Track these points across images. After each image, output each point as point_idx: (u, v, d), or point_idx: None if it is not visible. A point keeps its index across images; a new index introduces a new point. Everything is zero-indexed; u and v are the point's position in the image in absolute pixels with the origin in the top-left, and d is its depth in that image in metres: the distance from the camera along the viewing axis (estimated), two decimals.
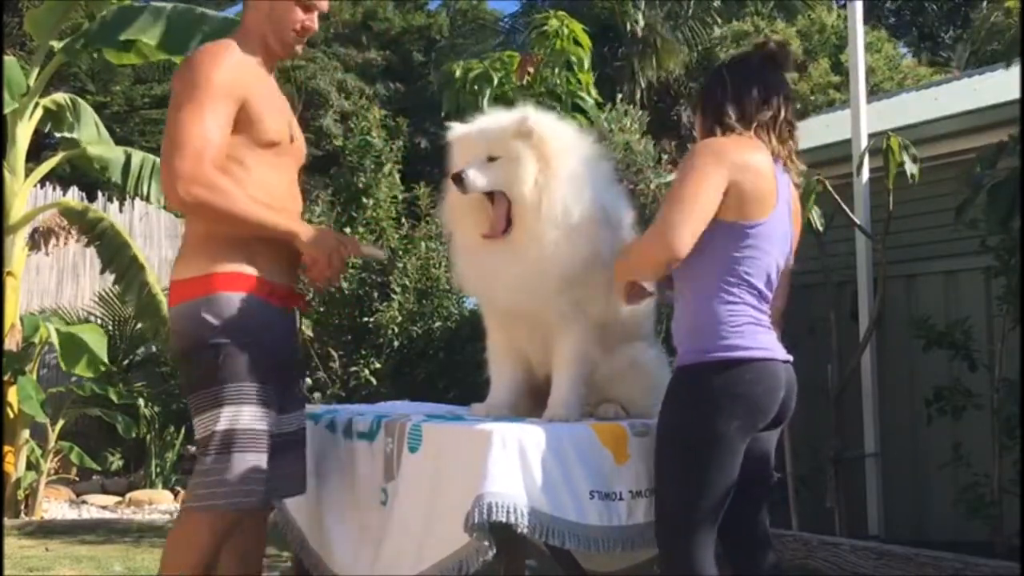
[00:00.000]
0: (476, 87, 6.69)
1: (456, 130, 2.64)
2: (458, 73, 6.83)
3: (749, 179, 2.34)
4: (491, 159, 2.51)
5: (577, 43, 6.89)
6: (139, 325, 8.20)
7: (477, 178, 2.50)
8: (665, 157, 5.62)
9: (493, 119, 2.61)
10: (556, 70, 6.75)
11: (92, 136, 7.46)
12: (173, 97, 2.61)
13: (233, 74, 2.59)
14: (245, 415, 2.52)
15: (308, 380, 6.72)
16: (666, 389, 2.42)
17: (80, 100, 7.62)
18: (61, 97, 7.48)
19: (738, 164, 2.33)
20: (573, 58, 6.85)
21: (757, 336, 2.38)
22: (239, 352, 2.52)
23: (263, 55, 2.75)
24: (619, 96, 6.11)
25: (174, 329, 2.63)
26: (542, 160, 2.49)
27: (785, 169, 2.47)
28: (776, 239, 2.43)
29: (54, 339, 7.02)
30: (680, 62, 15.90)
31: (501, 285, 2.60)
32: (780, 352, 2.44)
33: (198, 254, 2.60)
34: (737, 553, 2.50)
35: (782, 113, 2.45)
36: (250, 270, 2.59)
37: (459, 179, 2.50)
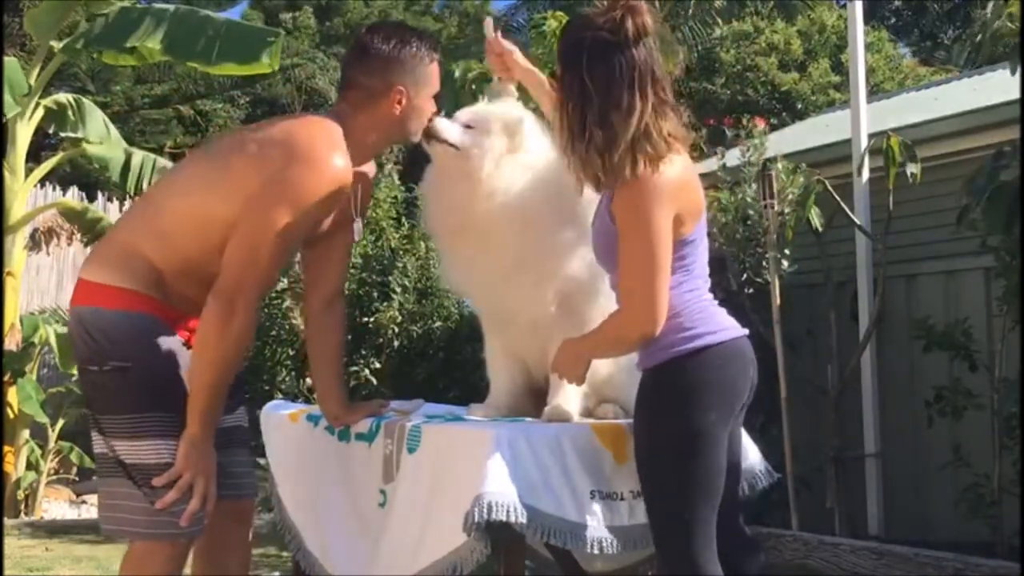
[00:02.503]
0: (475, 87, 6.70)
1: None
2: (457, 73, 6.84)
3: (686, 201, 2.28)
4: (467, 127, 2.57)
5: None
6: None
7: (448, 128, 2.56)
8: None
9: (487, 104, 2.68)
10: (556, 70, 6.76)
11: (102, 134, 7.45)
12: (278, 182, 2.35)
13: (332, 200, 2.42)
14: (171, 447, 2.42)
15: (308, 380, 6.73)
16: (636, 395, 2.37)
17: (84, 100, 7.61)
18: (64, 97, 7.47)
19: (675, 190, 2.24)
20: None
21: (715, 317, 2.34)
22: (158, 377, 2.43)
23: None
24: None
25: (99, 333, 2.43)
26: (510, 149, 2.53)
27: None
28: (704, 227, 2.39)
29: (52, 341, 7.02)
30: (677, 64, 15.88)
31: (476, 278, 2.65)
32: (737, 327, 2.38)
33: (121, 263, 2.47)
34: (719, 558, 2.47)
35: (649, 104, 2.23)
36: (156, 295, 2.46)
37: (430, 125, 2.56)
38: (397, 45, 2.54)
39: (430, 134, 2.56)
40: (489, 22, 2.82)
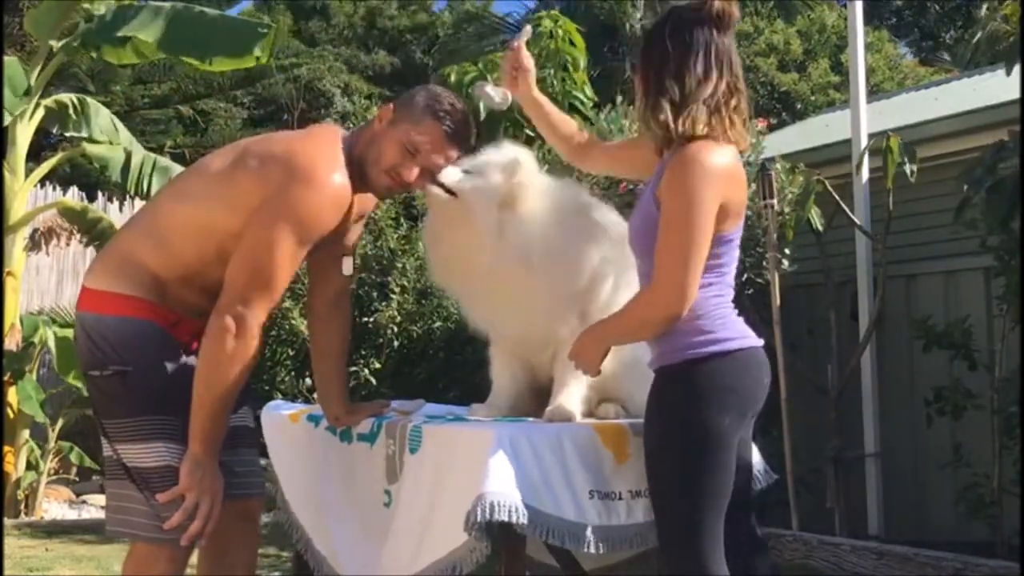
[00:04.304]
0: (471, 89, 6.70)
1: None
2: (453, 77, 6.85)
3: (733, 194, 2.30)
4: (466, 172, 2.54)
5: (572, 43, 6.90)
6: None
7: (446, 171, 2.52)
8: None
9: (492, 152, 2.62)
10: (552, 71, 6.76)
11: (109, 132, 7.46)
12: (279, 202, 2.35)
13: (333, 219, 2.43)
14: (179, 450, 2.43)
15: (308, 380, 6.74)
16: (649, 393, 2.38)
17: (88, 99, 7.61)
18: (66, 96, 7.48)
19: (725, 179, 2.27)
20: (568, 58, 6.86)
21: (735, 325, 2.35)
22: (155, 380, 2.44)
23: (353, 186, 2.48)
24: (619, 97, 6.11)
25: (104, 338, 2.45)
26: (507, 196, 2.51)
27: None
28: (740, 233, 2.41)
29: (51, 343, 7.02)
30: None
31: (484, 312, 2.67)
32: (755, 337, 2.39)
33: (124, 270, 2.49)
34: (729, 558, 2.48)
35: (723, 83, 2.32)
36: (157, 300, 2.48)
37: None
38: (423, 90, 2.55)
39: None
40: (527, 30, 2.75)
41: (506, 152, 2.59)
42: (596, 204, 2.73)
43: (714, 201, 2.23)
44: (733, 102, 2.32)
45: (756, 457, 2.77)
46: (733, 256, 2.38)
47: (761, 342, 2.39)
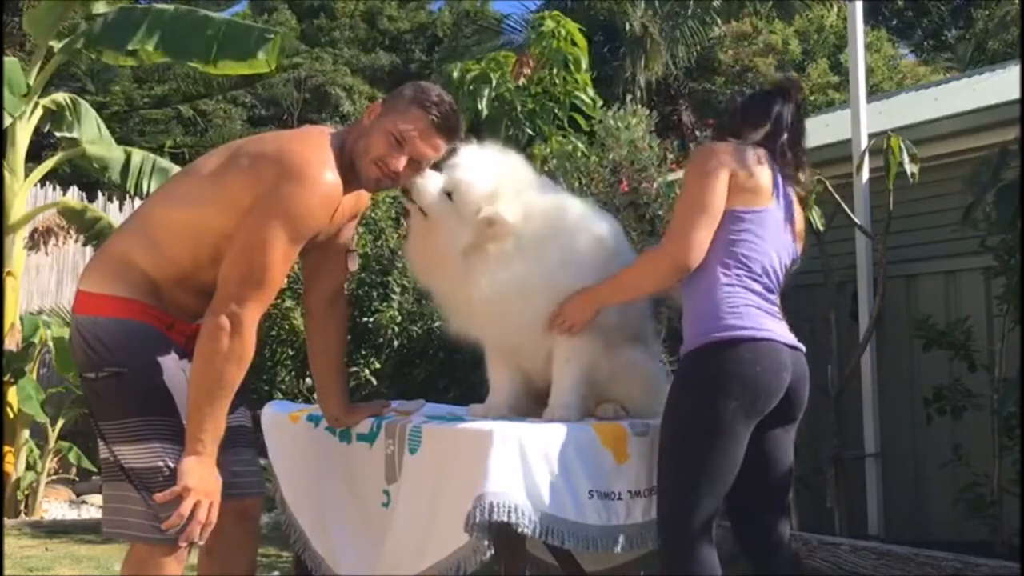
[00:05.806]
0: (473, 88, 6.71)
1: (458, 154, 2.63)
2: (456, 74, 6.85)
3: (744, 173, 2.43)
4: (447, 193, 2.53)
5: (574, 43, 6.90)
6: None
7: (425, 189, 2.52)
8: (670, 157, 5.65)
9: (475, 167, 2.58)
10: (554, 70, 6.76)
11: (93, 135, 7.45)
12: (271, 199, 2.36)
13: (324, 216, 2.44)
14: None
15: (308, 380, 6.74)
16: (674, 377, 2.47)
17: (80, 100, 7.60)
18: (61, 97, 7.47)
19: (736, 158, 2.44)
20: (570, 58, 6.86)
21: (757, 318, 2.40)
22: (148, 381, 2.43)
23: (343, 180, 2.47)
24: (627, 96, 6.12)
25: (99, 340, 2.44)
26: (476, 239, 2.50)
27: (789, 183, 2.55)
28: (771, 230, 2.47)
29: (50, 343, 7.02)
30: (663, 64, 15.82)
31: (456, 322, 2.69)
32: (786, 337, 2.46)
33: (117, 272, 2.49)
34: (758, 560, 2.51)
35: (779, 132, 2.54)
36: (152, 302, 2.48)
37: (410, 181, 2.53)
38: (410, 84, 2.59)
39: (407, 190, 2.54)
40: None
41: (483, 180, 2.54)
42: (576, 224, 2.63)
43: (722, 169, 2.40)
44: (785, 150, 2.54)
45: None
46: (756, 245, 2.44)
47: (790, 341, 2.45)
